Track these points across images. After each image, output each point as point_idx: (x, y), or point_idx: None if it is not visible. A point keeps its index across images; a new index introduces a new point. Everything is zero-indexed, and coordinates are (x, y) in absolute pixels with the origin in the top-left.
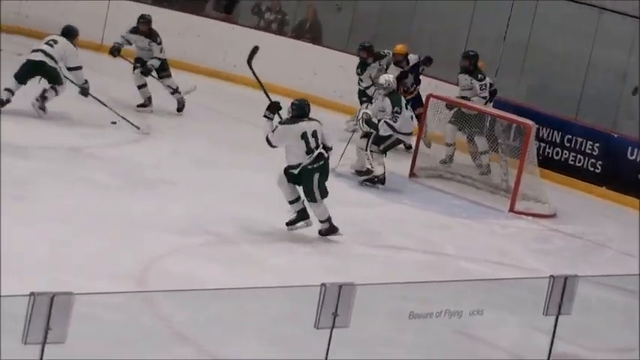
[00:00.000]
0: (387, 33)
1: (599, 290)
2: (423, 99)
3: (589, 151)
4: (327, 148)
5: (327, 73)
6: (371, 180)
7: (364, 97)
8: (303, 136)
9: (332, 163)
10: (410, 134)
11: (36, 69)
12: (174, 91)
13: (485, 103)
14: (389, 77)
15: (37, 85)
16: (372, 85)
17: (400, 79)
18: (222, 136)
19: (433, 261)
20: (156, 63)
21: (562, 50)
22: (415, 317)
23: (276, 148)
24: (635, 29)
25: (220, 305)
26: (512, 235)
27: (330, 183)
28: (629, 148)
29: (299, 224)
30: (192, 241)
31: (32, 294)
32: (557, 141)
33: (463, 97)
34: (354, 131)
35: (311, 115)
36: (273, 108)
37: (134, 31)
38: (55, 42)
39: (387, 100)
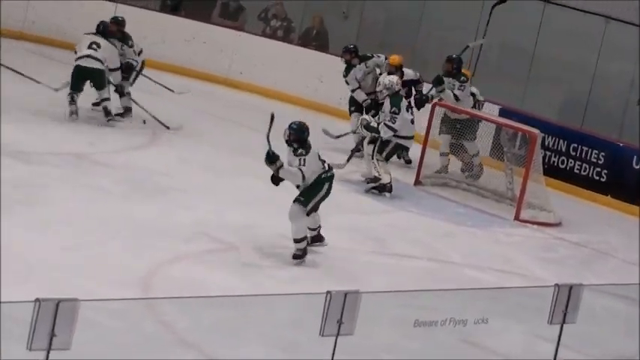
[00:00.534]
0: (393, 40)
1: (603, 299)
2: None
3: (594, 160)
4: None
5: (333, 80)
6: (378, 188)
7: (353, 105)
8: (318, 156)
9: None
10: (410, 138)
11: (86, 74)
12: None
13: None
14: (393, 78)
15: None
16: (359, 87)
17: None
18: (228, 143)
19: (438, 269)
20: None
21: (568, 59)
22: (420, 325)
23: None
24: None
25: (224, 312)
26: (517, 244)
27: (336, 190)
28: (635, 157)
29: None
30: (197, 248)
31: (37, 300)
32: (563, 150)
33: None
34: (363, 138)
35: (319, 122)
36: (275, 157)
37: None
38: (98, 45)
39: (388, 101)
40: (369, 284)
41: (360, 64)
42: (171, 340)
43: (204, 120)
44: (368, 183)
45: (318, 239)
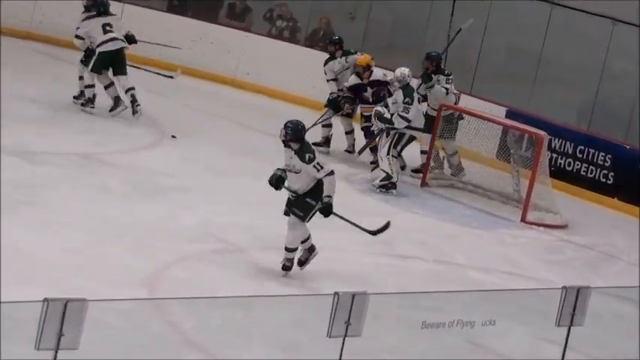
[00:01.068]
0: (400, 42)
1: (609, 301)
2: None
3: (601, 163)
4: None
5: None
6: (386, 186)
7: (329, 103)
8: None
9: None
10: (422, 130)
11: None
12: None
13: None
14: (404, 70)
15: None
16: (335, 79)
17: (356, 89)
18: (234, 144)
19: (444, 270)
20: (79, 44)
21: (575, 61)
22: (427, 327)
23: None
24: None
25: (230, 313)
26: (523, 246)
27: (342, 191)
28: None
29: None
30: (203, 248)
31: (46, 300)
32: (569, 152)
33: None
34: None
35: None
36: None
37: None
38: (111, 25)
39: (400, 93)
40: (374, 285)
41: (341, 57)
42: (177, 340)
43: (211, 120)
44: (380, 182)
45: (310, 250)
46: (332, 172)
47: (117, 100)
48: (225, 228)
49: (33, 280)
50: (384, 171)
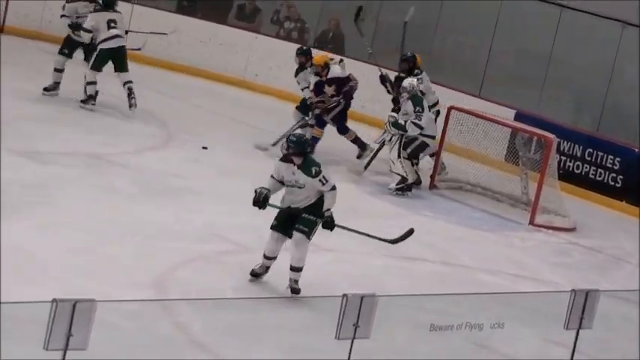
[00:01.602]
0: (409, 44)
1: (617, 304)
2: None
3: (610, 166)
4: None
5: None
6: (402, 189)
7: (303, 108)
8: None
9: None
10: (434, 137)
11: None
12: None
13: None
14: (413, 81)
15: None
16: (308, 87)
17: (316, 88)
18: (242, 145)
19: (452, 273)
20: (86, 37)
21: (584, 64)
22: (436, 329)
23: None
24: None
25: (239, 314)
26: (532, 248)
27: (351, 194)
28: None
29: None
30: (212, 249)
31: (55, 300)
32: (578, 155)
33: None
34: (383, 142)
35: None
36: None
37: None
38: (115, 22)
39: (409, 103)
40: (382, 288)
41: (312, 66)
42: (185, 341)
43: (219, 121)
44: (392, 185)
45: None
46: (335, 187)
47: (91, 98)
48: (233, 229)
49: (40, 280)
50: (398, 174)
